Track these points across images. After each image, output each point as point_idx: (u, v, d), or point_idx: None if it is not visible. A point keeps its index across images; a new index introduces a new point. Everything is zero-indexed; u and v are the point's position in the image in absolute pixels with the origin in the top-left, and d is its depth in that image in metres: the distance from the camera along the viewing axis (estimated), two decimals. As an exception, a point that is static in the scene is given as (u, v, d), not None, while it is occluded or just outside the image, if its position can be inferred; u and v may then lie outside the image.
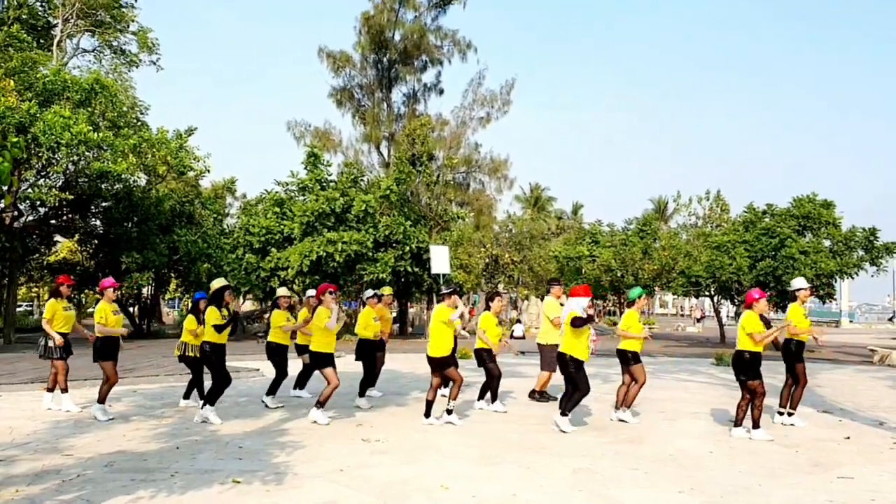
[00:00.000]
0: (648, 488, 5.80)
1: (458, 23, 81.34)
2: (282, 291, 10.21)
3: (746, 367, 7.86)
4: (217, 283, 8.82)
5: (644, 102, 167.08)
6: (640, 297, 9.14)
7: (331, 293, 8.62)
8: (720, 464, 6.70)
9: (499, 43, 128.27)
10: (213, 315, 8.45)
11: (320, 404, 8.49)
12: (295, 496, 5.44)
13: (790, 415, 8.75)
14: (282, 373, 9.91)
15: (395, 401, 10.27)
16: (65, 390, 9.26)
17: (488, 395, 9.81)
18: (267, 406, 9.65)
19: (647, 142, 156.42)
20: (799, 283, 9.13)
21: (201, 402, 8.80)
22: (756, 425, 7.85)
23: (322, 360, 8.48)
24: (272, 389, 9.84)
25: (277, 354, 9.96)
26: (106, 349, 8.75)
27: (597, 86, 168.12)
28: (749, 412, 7.93)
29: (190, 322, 9.30)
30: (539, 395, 10.56)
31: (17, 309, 28.20)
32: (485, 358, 9.51)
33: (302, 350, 10.25)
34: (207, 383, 9.17)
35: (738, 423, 8.01)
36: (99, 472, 6.07)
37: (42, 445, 7.15)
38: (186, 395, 9.77)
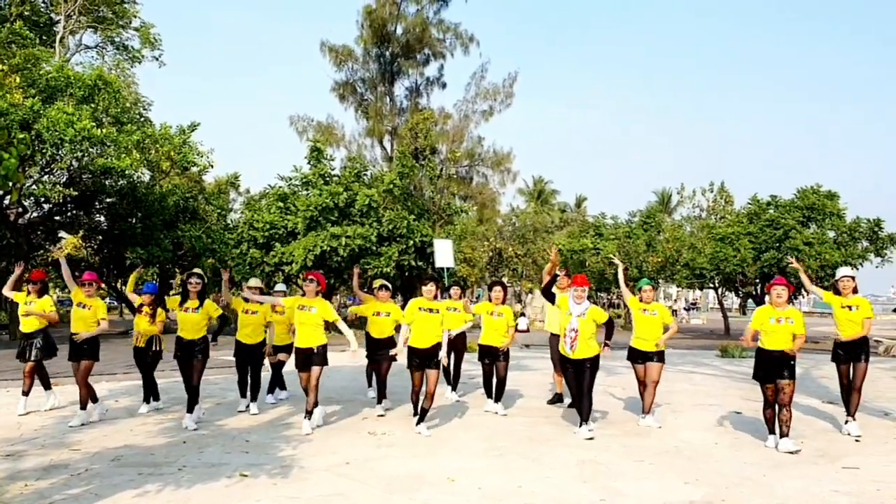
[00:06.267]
0: (654, 480, 5.81)
1: (461, 16, 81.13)
2: (253, 282, 9.33)
3: (754, 367, 7.18)
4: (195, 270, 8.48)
5: (648, 94, 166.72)
6: (640, 290, 8.32)
7: (312, 280, 7.88)
8: (725, 455, 6.70)
9: (501, 35, 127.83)
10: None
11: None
12: (301, 489, 5.46)
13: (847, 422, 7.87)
14: (243, 375, 9.15)
15: (401, 394, 10.27)
16: (25, 392, 8.73)
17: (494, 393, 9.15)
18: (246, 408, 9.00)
19: (651, 134, 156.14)
20: (840, 271, 8.33)
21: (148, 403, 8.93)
22: (771, 431, 7.09)
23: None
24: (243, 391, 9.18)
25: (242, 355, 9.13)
26: (69, 347, 8.17)
27: (600, 78, 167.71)
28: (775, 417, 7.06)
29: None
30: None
31: (23, 305, 28.24)
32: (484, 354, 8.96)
33: (277, 350, 9.37)
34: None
35: (776, 433, 7.09)
36: (106, 467, 6.10)
37: (50, 440, 7.19)
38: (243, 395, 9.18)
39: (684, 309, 48.52)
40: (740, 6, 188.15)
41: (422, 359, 7.67)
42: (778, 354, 6.88)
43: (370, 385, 10.16)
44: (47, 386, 9.10)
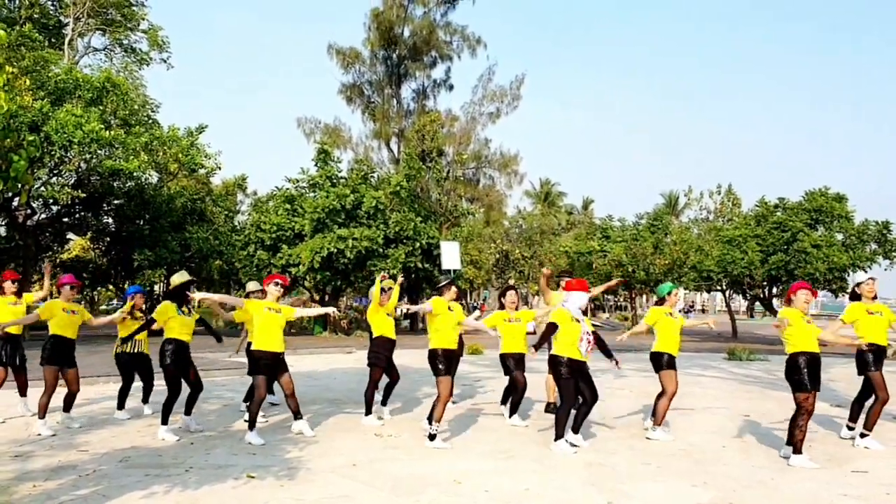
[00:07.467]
0: (661, 483, 5.79)
1: (468, 18, 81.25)
2: (252, 286, 9.01)
3: (789, 374, 6.59)
4: (178, 277, 7.87)
5: (655, 97, 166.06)
6: (668, 294, 7.82)
7: (277, 284, 7.51)
8: (734, 458, 6.67)
9: (509, 37, 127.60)
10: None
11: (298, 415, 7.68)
12: (308, 490, 5.46)
13: (863, 436, 7.27)
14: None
15: (407, 396, 10.28)
16: (23, 394, 8.70)
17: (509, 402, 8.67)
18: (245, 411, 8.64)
19: (655, 135, 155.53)
20: (859, 276, 7.82)
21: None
22: (796, 449, 6.41)
23: (254, 365, 7.35)
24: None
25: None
26: (52, 352, 7.83)
27: (608, 80, 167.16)
28: (791, 431, 6.52)
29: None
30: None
31: (31, 306, 28.36)
32: (509, 364, 8.31)
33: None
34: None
35: (794, 448, 6.50)
36: (114, 468, 6.11)
37: (58, 441, 7.21)
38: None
39: (681, 311, 48.34)
40: (742, 7, 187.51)
41: (450, 361, 7.24)
42: (813, 357, 6.49)
43: (370, 412, 8.44)
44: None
